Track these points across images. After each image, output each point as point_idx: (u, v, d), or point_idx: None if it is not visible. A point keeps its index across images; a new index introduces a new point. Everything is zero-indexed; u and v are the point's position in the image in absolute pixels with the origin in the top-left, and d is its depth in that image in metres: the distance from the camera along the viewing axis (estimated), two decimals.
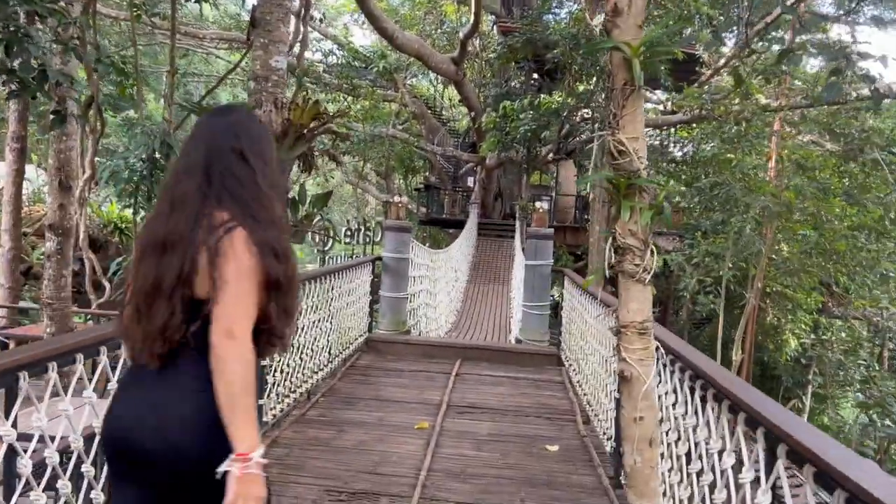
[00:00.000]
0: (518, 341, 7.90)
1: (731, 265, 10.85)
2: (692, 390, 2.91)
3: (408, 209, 29.71)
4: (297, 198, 6.48)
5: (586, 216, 22.80)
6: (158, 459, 1.65)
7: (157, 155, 11.35)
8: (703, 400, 2.76)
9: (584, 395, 5.75)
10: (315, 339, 5.80)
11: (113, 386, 2.73)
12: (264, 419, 4.70)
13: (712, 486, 2.56)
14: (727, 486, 2.44)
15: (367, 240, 27.99)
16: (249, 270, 1.67)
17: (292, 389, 5.32)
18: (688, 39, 17.15)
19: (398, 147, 26.80)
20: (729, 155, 11.82)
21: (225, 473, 1.59)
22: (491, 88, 21.59)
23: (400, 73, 21.79)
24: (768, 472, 2.05)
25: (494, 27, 22.62)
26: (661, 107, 17.25)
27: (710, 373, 2.70)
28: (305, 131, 5.92)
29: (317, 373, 5.93)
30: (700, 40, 17.51)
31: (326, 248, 29.54)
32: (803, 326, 15.95)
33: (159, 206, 1.81)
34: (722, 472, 2.49)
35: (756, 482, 2.10)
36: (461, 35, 18.86)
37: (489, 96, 21.41)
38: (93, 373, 2.86)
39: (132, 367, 1.81)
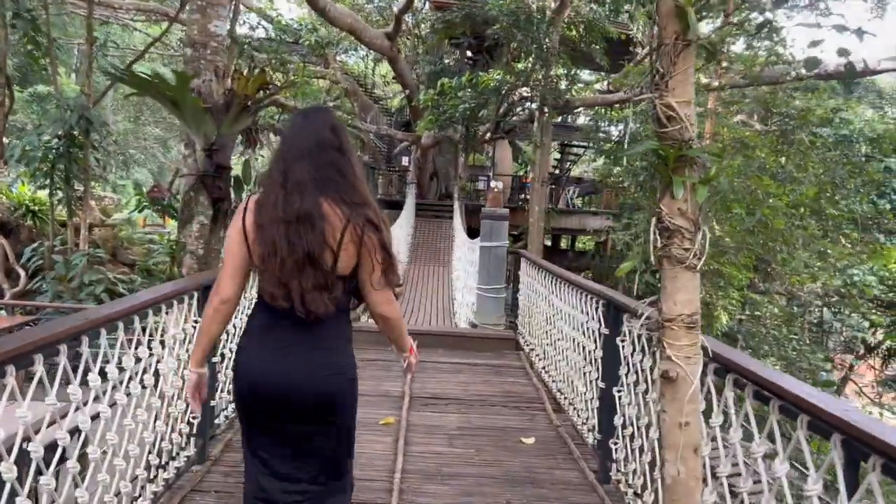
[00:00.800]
0: (473, 325, 7.61)
1: None
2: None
3: None
4: (240, 177, 5.91)
5: (522, 196, 22.82)
6: (334, 407, 2.19)
7: (75, 131, 10.44)
8: None
9: (553, 381, 5.50)
10: None
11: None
12: (216, 421, 4.24)
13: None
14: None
15: None
16: (383, 243, 2.17)
17: None
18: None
19: None
20: None
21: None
22: (424, 66, 21.13)
23: (331, 49, 21.03)
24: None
25: (427, 3, 22.11)
26: (599, 86, 17.22)
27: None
28: (250, 103, 5.38)
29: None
30: (639, 20, 17.58)
31: None
32: (733, 302, 16.34)
33: (274, 189, 2.14)
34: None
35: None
36: (395, 9, 18.31)
37: (423, 74, 20.97)
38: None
39: (283, 321, 2.14)
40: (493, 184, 7.17)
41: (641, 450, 3.34)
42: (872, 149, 12.78)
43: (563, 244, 24.90)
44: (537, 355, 6.23)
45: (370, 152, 25.03)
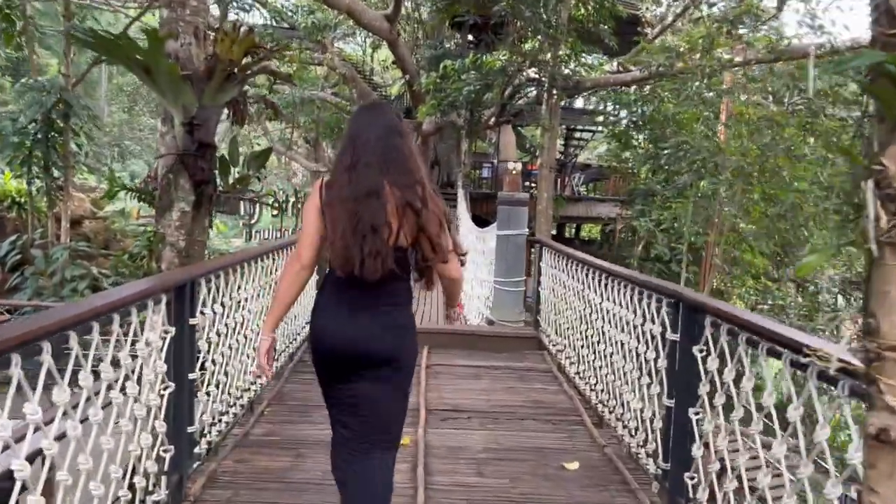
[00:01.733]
0: (490, 322, 6.83)
1: (700, 230, 10.10)
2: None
3: None
4: (227, 157, 5.08)
5: (527, 183, 21.98)
6: (400, 358, 2.49)
7: (54, 115, 9.61)
8: None
9: (592, 390, 4.71)
10: (258, 333, 4.53)
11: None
12: (196, 450, 3.44)
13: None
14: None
15: (297, 212, 26.35)
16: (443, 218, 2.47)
17: (231, 403, 4.06)
18: None
19: (327, 114, 25.16)
20: (688, 112, 10.98)
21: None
22: (425, 51, 20.23)
23: (328, 33, 20.10)
24: None
25: None
26: (608, 67, 16.35)
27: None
28: (236, 70, 4.56)
29: (260, 376, 4.66)
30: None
31: (253, 222, 27.83)
32: (750, 291, 15.57)
33: (344, 170, 2.40)
34: None
35: None
36: None
37: (423, 59, 20.07)
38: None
39: (352, 288, 2.39)
40: (510, 165, 6.42)
41: (741, 497, 2.56)
42: None
43: (568, 233, 24.10)
44: (568, 358, 5.43)
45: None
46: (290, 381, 5.13)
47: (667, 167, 13.60)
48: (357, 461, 2.51)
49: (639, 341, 3.74)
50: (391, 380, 2.50)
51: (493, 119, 17.39)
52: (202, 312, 3.43)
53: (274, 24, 19.62)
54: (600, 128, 19.82)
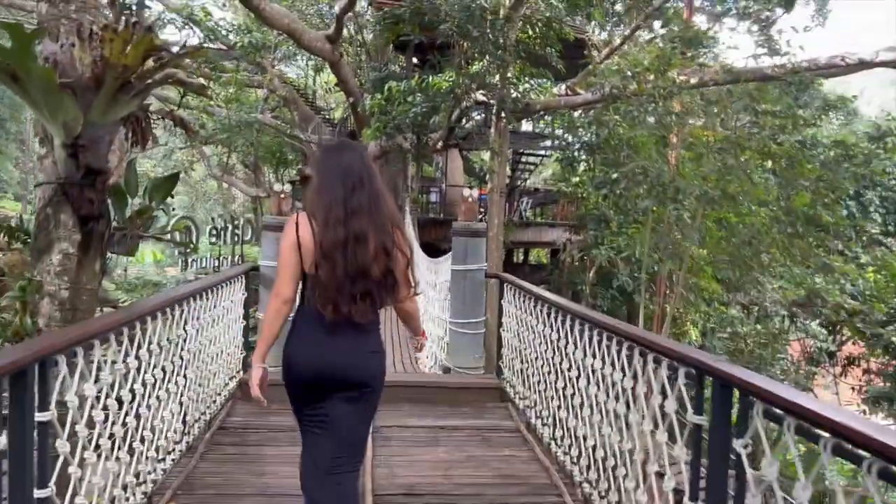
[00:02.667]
0: (445, 370, 5.96)
1: (660, 258, 9.52)
2: None
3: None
4: (122, 186, 4.10)
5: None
6: (374, 381, 2.66)
7: None
8: None
9: (572, 461, 3.88)
10: (159, 407, 3.57)
11: None
12: None
13: None
14: None
15: (236, 239, 25.04)
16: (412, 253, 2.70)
17: (125, 498, 3.08)
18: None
19: (267, 138, 24.10)
20: (643, 136, 10.45)
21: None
22: (369, 72, 19.46)
23: (267, 54, 19.11)
24: None
25: (370, 5, 20.45)
26: (556, 90, 15.84)
27: None
28: (133, 78, 3.62)
29: (163, 459, 3.68)
30: (596, 18, 16.32)
31: (188, 251, 26.31)
32: (703, 316, 15.16)
33: (334, 211, 2.51)
34: None
35: None
36: (337, 9, 16.58)
37: (367, 81, 19.28)
38: None
39: (331, 324, 2.54)
40: (465, 191, 5.59)
41: None
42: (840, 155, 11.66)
43: (516, 258, 23.49)
44: (539, 418, 4.61)
45: (311, 163, 23.14)
46: (205, 458, 4.15)
47: (620, 192, 13.10)
48: (329, 484, 2.64)
49: (640, 414, 2.95)
50: (362, 401, 2.66)
51: (440, 143, 16.66)
52: (62, 403, 2.47)
53: (208, 42, 18.53)
54: (549, 152, 19.34)
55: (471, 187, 21.40)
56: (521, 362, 5.12)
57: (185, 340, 4.00)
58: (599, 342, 3.47)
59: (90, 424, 2.71)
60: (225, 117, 16.55)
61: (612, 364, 3.26)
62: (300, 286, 2.64)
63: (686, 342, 15.06)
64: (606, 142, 11.47)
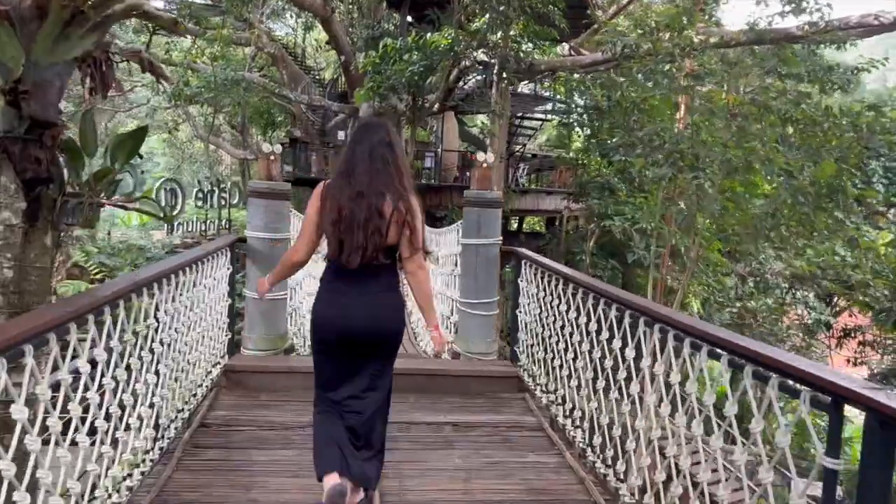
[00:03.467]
0: (454, 355, 5.32)
1: (677, 228, 8.89)
2: None
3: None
4: (76, 142, 3.36)
5: (467, 174, 20.55)
6: (396, 332, 2.97)
7: None
8: None
9: (617, 478, 3.27)
10: (123, 416, 2.91)
11: None
12: None
13: None
14: None
15: (223, 202, 24.16)
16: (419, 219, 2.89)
17: None
18: None
19: (255, 99, 23.14)
20: (657, 98, 9.73)
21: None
22: (361, 30, 18.49)
23: (255, 9, 18.07)
24: None
25: None
26: (559, 50, 14.97)
27: None
28: (87, 6, 2.88)
29: (129, 475, 3.04)
30: None
31: (175, 213, 25.42)
32: (706, 288, 14.63)
33: (343, 176, 2.85)
34: None
35: None
36: None
37: (359, 39, 18.32)
38: None
39: (344, 274, 2.82)
40: (480, 156, 4.86)
41: None
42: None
43: (510, 226, 22.83)
44: (569, 418, 3.99)
45: (301, 126, 22.23)
46: (182, 467, 3.50)
47: (626, 160, 12.39)
48: (335, 414, 2.91)
49: (730, 439, 2.32)
50: (380, 353, 2.94)
51: (436, 105, 15.85)
52: None
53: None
54: (549, 116, 18.54)
55: (469, 153, 20.59)
56: (545, 351, 4.49)
57: (156, 330, 3.34)
58: (649, 335, 2.83)
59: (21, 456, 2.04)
60: (210, 74, 15.56)
61: (669, 363, 2.64)
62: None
63: (687, 314, 14.57)
64: (618, 104, 10.74)
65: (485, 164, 5.18)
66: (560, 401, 4.17)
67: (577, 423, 3.85)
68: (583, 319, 3.76)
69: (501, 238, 5.23)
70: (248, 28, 17.74)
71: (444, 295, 6.59)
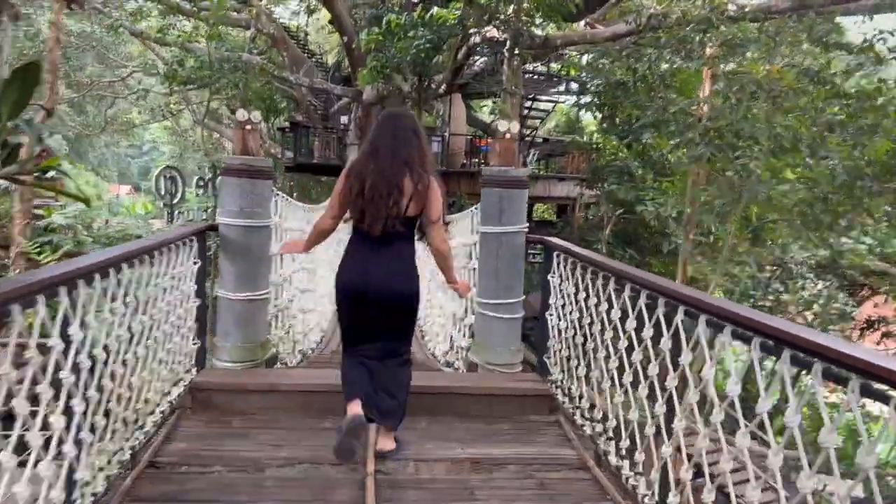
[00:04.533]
0: (471, 367, 4.36)
1: (717, 215, 7.91)
2: None
3: (268, 150, 25.01)
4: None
5: (476, 160, 19.53)
6: (409, 296, 3.18)
7: None
8: None
9: None
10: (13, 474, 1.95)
11: None
12: None
13: None
14: None
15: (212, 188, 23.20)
16: (439, 198, 3.13)
17: None
18: None
19: (256, 84, 22.11)
20: (685, 72, 8.70)
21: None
22: (365, 10, 17.43)
23: None
24: None
25: None
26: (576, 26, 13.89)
27: None
28: None
29: None
30: None
31: (175, 202, 24.53)
32: (730, 278, 13.64)
33: (366, 156, 3.14)
34: None
35: None
36: None
37: (363, 18, 17.27)
38: None
39: (366, 240, 3.11)
40: (501, 125, 3.88)
41: None
42: None
43: None
44: (625, 456, 3.03)
45: (303, 111, 21.23)
46: (142, 485, 2.56)
47: (644, 142, 11.37)
48: (362, 367, 3.20)
49: None
50: (396, 315, 3.19)
51: (443, 86, 14.79)
52: None
53: None
54: (563, 98, 17.49)
55: (477, 138, 19.53)
56: (587, 366, 3.53)
57: (82, 343, 2.40)
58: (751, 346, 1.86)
59: None
60: (205, 55, 14.53)
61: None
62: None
63: None
64: (643, 80, 9.71)
65: (507, 135, 4.20)
66: (612, 434, 3.21)
67: (640, 468, 2.89)
68: (648, 332, 2.80)
69: (528, 225, 4.26)
70: (247, 6, 16.69)
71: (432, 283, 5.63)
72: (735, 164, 7.24)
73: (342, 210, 3.18)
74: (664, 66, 9.27)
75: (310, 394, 3.82)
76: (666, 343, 2.62)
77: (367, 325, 3.15)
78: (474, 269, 4.84)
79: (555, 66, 16.36)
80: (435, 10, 12.49)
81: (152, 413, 3.31)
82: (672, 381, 2.55)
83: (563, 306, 3.92)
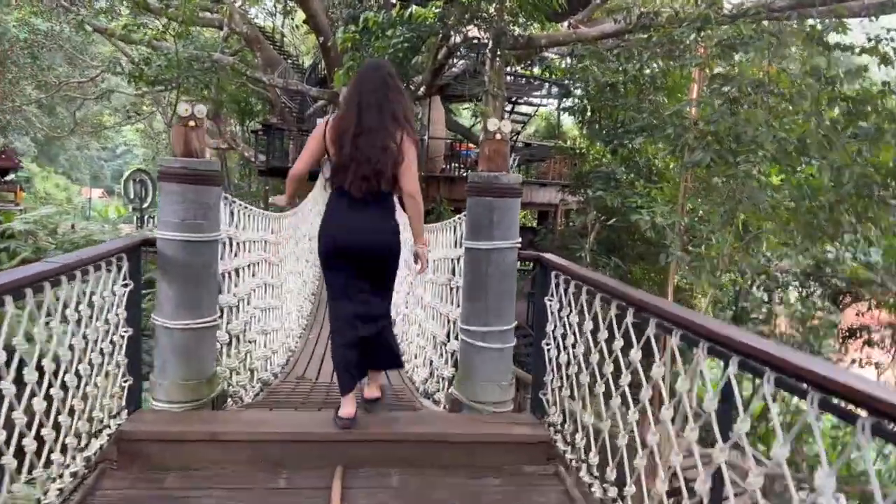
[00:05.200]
0: (453, 406, 3.71)
1: (720, 221, 7.35)
2: None
3: (241, 153, 24.13)
4: None
5: (455, 165, 18.93)
6: (389, 247, 3.26)
7: None
8: None
9: None
10: None
11: None
12: None
13: None
14: None
15: None
16: (416, 154, 3.20)
17: None
18: None
19: (231, 86, 21.36)
20: (675, 74, 8.17)
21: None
22: (342, 10, 16.78)
23: None
24: None
25: None
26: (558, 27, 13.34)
27: None
28: None
29: None
30: None
31: (146, 206, 23.61)
32: (722, 288, 13.19)
33: (351, 110, 3.13)
34: None
35: None
36: None
37: (340, 19, 16.61)
38: None
39: (348, 199, 3.16)
40: (491, 124, 3.24)
41: None
42: None
43: None
44: None
45: (278, 113, 20.49)
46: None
47: (629, 146, 10.84)
48: (349, 333, 3.25)
49: None
50: (377, 267, 3.30)
51: (423, 87, 14.18)
52: None
53: None
54: (545, 101, 16.96)
55: (458, 142, 18.87)
56: (591, 411, 2.91)
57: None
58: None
59: None
60: (173, 53, 13.75)
61: None
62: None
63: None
64: (634, 80, 9.17)
65: (498, 136, 3.58)
66: (629, 500, 2.59)
67: None
68: (684, 384, 2.19)
69: (520, 240, 3.64)
70: (218, 4, 15.93)
71: (437, 311, 4.98)
72: (737, 170, 6.72)
73: (313, 163, 3.26)
74: (654, 66, 8.75)
75: (263, 444, 3.16)
76: (710, 399, 2.01)
77: (353, 280, 3.20)
78: (458, 286, 4.21)
79: (537, 69, 15.80)
80: (414, 8, 11.89)
81: (59, 478, 2.63)
82: (722, 454, 1.94)
83: (564, 336, 3.31)
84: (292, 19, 23.06)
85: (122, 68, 14.57)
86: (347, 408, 3.19)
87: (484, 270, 3.57)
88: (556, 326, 3.43)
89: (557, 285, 3.40)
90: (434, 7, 11.79)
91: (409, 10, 11.83)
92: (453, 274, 4.59)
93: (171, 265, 3.39)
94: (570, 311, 3.26)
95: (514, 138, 18.29)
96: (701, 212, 8.13)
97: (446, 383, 4.35)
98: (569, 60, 13.03)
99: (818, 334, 11.28)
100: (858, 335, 18.49)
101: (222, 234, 3.84)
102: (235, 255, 4.36)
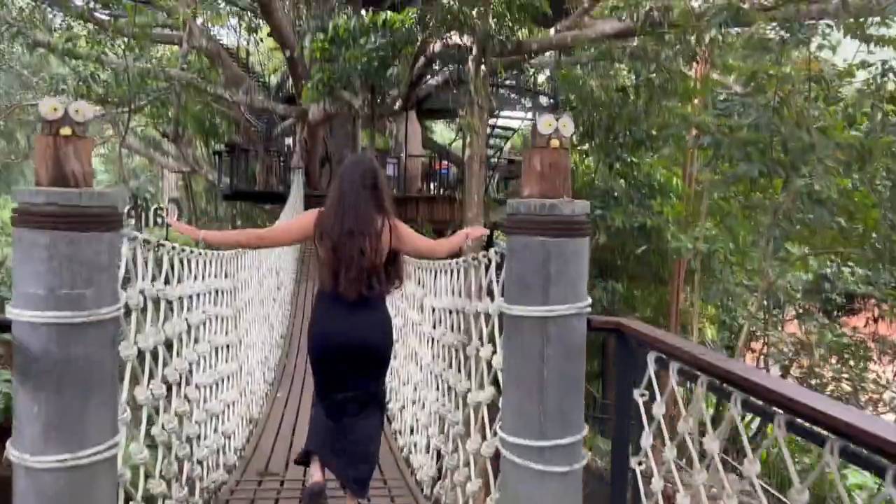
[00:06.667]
0: None
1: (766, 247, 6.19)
2: None
3: (205, 177, 22.59)
4: None
5: (433, 184, 17.70)
6: (382, 351, 3.15)
7: None
8: None
9: None
10: None
11: None
12: None
13: None
14: None
15: (160, 222, 20.71)
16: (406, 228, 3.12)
17: None
18: None
19: (196, 107, 19.91)
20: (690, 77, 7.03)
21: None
22: (310, 22, 15.50)
23: None
24: None
25: None
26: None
27: None
28: None
29: None
30: None
31: None
32: (724, 312, 12.09)
33: (334, 209, 3.05)
34: None
35: None
36: None
37: (308, 31, 15.34)
38: None
39: (339, 301, 3.01)
40: (543, 123, 1.90)
41: None
42: None
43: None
44: None
45: (243, 132, 19.06)
46: None
47: (632, 160, 9.70)
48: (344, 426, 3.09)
49: None
50: (372, 362, 3.13)
51: (398, 102, 12.91)
52: None
53: None
54: (530, 115, 15.81)
55: (437, 161, 17.62)
56: None
57: None
58: None
59: None
60: (122, 68, 12.28)
61: None
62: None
63: (698, 342, 11.91)
64: (648, 83, 8.04)
65: (554, 141, 2.30)
66: None
67: None
68: None
69: (591, 302, 2.33)
70: (171, 17, 14.50)
71: (442, 381, 3.65)
72: (796, 184, 5.56)
73: (288, 242, 3.44)
74: (673, 67, 7.63)
75: None
76: None
77: (342, 377, 3.07)
78: (479, 356, 2.90)
79: (523, 77, 14.66)
80: (388, 14, 10.67)
81: None
82: None
83: (675, 458, 2.02)
84: (258, 36, 21.73)
85: (66, 86, 13.07)
86: (314, 475, 3.07)
87: (538, 352, 2.26)
88: (658, 437, 2.15)
89: (670, 375, 2.11)
90: (411, 13, 10.59)
91: (384, 16, 10.60)
92: (467, 335, 3.28)
93: (34, 364, 2.02)
94: (687, 418, 1.98)
95: (497, 155, 17.10)
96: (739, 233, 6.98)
97: (463, 488, 3.03)
98: (557, 70, 11.86)
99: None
100: None
101: (134, 297, 2.50)
102: (165, 321, 3.01)
